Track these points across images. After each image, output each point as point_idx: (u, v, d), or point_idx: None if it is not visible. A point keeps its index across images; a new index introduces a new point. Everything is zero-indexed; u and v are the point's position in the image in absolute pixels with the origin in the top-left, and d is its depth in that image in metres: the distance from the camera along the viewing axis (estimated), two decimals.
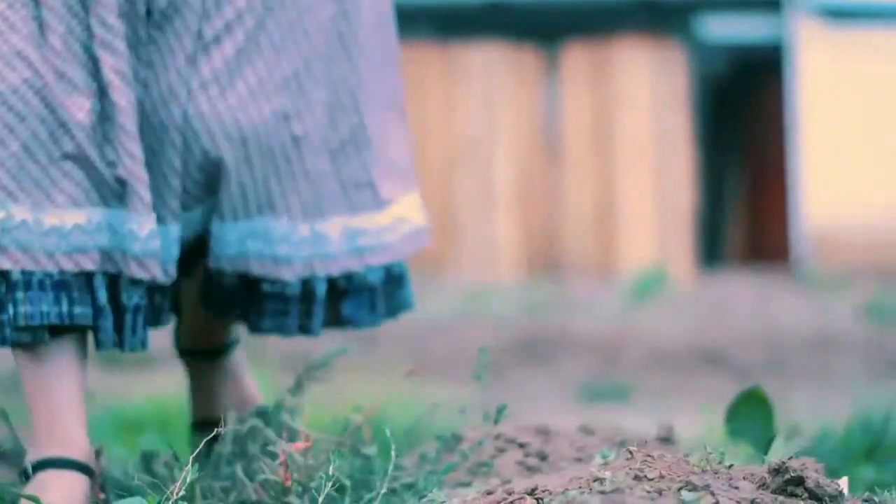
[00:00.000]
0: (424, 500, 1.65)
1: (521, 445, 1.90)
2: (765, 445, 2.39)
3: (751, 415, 2.37)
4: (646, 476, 1.49)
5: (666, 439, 2.04)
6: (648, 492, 1.44)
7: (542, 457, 1.88)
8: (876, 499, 1.62)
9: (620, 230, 11.13)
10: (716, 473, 1.50)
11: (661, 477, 1.49)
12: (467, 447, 1.86)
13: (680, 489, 1.46)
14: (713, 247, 12.12)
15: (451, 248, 11.07)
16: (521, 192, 11.19)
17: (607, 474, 1.49)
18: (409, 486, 1.78)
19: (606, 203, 11.16)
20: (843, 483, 1.70)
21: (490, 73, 11.29)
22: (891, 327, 6.73)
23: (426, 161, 11.17)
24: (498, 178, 11.19)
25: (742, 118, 13.20)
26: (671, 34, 11.25)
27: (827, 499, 1.54)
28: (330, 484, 1.54)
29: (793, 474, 1.53)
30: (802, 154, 11.13)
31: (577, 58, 11.31)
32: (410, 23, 11.22)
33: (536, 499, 1.48)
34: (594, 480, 1.46)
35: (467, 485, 1.78)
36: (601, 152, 11.19)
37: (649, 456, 1.57)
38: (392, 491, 1.74)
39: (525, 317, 7.45)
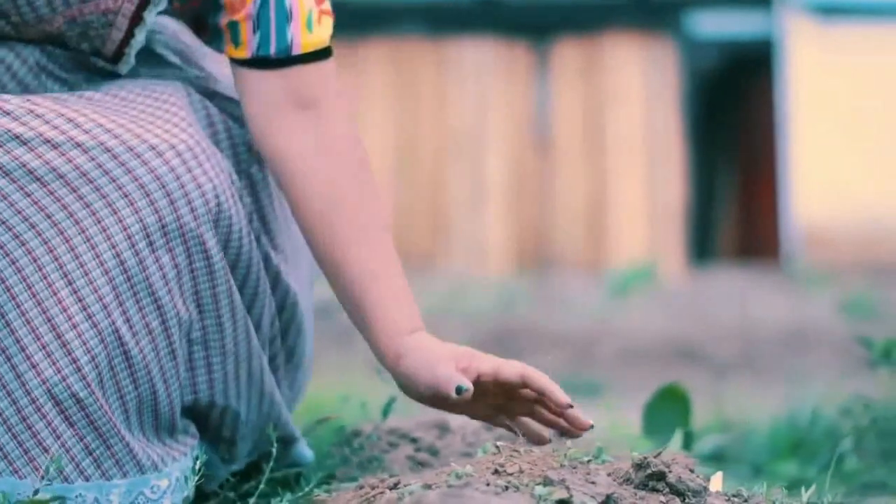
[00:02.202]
0: (299, 495, 1.68)
1: (414, 440, 1.92)
2: (681, 441, 2.42)
3: (667, 411, 2.39)
4: (505, 471, 1.51)
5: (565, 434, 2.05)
6: (505, 486, 1.46)
7: (433, 452, 1.90)
8: (745, 493, 1.64)
9: (611, 226, 11.15)
10: (574, 469, 1.51)
11: (521, 472, 1.51)
12: (357, 442, 1.88)
13: (537, 484, 1.48)
14: (704, 243, 12.13)
15: (442, 243, 11.09)
16: (512, 188, 11.21)
17: (468, 469, 1.52)
18: (297, 480, 1.81)
19: (597, 199, 11.17)
20: (717, 479, 1.72)
21: (481, 70, 11.31)
22: (868, 323, 6.73)
23: (417, 156, 11.20)
24: (489, 174, 11.21)
25: (733, 114, 13.21)
26: (662, 30, 11.26)
27: (689, 494, 1.55)
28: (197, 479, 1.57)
29: (654, 469, 1.55)
30: (793, 150, 11.13)
31: (568, 54, 11.32)
32: (402, 19, 11.25)
33: (398, 493, 1.50)
34: (451, 475, 1.48)
35: (354, 479, 1.80)
36: (592, 148, 11.20)
37: (516, 451, 1.59)
38: (275, 486, 1.77)
39: (505, 312, 7.47)
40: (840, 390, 3.27)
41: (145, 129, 1.63)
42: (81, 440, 1.59)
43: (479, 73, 11.30)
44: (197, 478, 1.59)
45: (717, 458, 2.61)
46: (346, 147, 1.77)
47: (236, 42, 1.75)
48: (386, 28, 11.25)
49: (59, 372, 1.57)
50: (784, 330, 6.76)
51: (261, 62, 1.74)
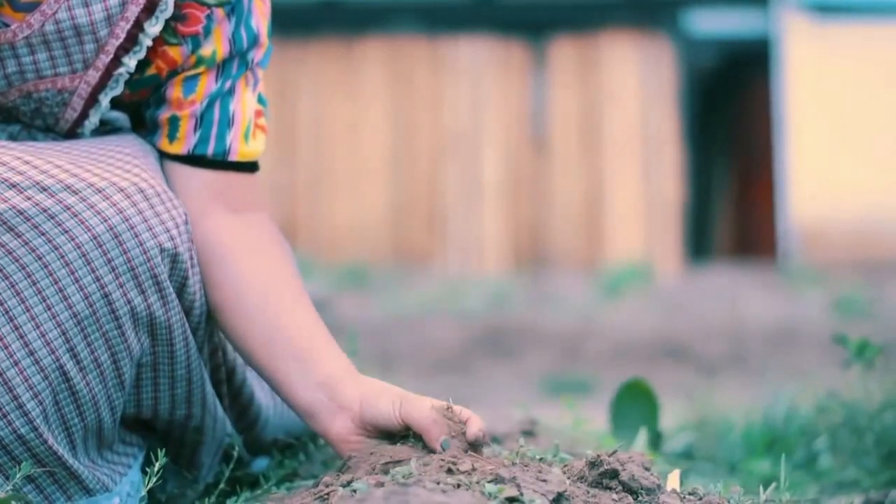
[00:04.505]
0: (257, 493, 1.69)
1: None
2: (650, 440, 2.42)
3: (634, 409, 2.39)
4: (458, 469, 1.52)
5: (528, 433, 2.07)
6: (456, 485, 1.47)
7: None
8: (700, 492, 1.65)
9: (607, 224, 11.15)
10: (526, 466, 1.52)
11: (473, 470, 1.52)
12: (323, 440, 1.89)
13: (487, 482, 1.49)
14: (701, 241, 12.14)
15: (438, 241, 11.10)
16: (508, 187, 11.22)
17: (413, 466, 1.52)
18: (257, 478, 1.82)
19: (594, 197, 11.18)
20: (674, 477, 1.72)
21: (478, 68, 11.32)
22: (860, 321, 6.74)
23: (414, 155, 11.21)
24: (485, 173, 11.21)
25: (729, 112, 13.21)
26: (659, 29, 11.26)
27: (642, 492, 1.56)
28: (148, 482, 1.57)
29: (607, 467, 1.56)
30: (790, 148, 11.14)
31: (564, 52, 11.33)
32: (399, 18, 11.26)
33: (352, 490, 1.51)
34: (400, 473, 1.49)
35: (315, 476, 1.81)
36: (588, 147, 11.21)
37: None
38: (236, 484, 1.78)
39: (498, 311, 7.48)
40: (821, 388, 3.27)
41: (86, 169, 1.63)
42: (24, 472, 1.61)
43: (475, 72, 11.31)
44: (153, 480, 1.60)
45: (689, 456, 2.61)
46: (275, 242, 1.79)
47: (172, 136, 1.77)
48: (382, 27, 11.26)
49: (0, 409, 1.58)
50: (775, 328, 6.77)
51: (195, 160, 1.77)
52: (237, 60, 1.78)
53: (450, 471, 1.51)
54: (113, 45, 1.71)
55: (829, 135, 11.01)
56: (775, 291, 8.72)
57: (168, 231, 1.64)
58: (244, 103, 1.78)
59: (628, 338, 6.46)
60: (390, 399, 1.62)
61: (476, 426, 1.59)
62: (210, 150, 1.77)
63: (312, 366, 1.68)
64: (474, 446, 1.59)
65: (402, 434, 1.62)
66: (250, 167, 1.80)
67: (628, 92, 11.22)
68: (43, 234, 1.58)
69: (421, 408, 1.60)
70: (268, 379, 1.71)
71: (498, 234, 11.18)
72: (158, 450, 1.63)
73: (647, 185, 11.17)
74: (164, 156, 1.78)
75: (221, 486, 1.71)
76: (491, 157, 11.23)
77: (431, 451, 1.58)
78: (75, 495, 1.64)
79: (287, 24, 10.77)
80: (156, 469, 1.61)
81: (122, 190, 1.62)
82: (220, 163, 1.77)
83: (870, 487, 2.30)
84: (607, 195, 11.17)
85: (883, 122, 10.99)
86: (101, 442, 1.68)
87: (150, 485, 1.60)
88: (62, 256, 1.59)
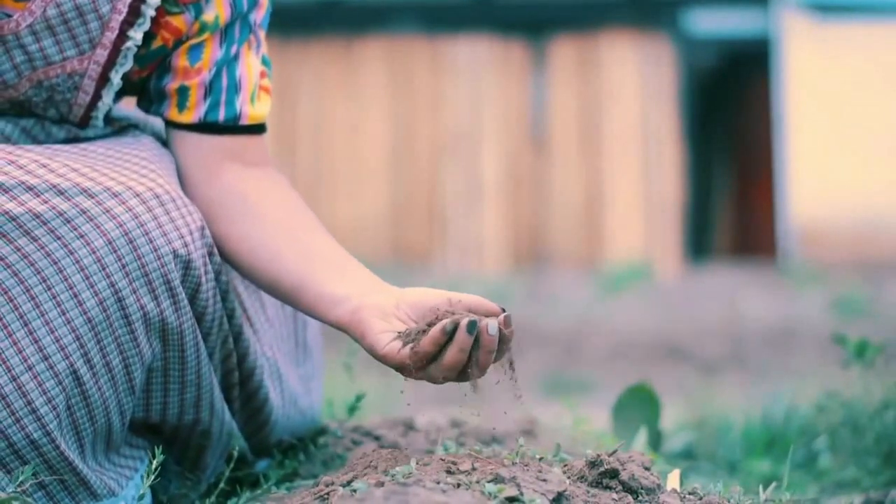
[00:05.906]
0: (258, 493, 1.69)
1: (377, 438, 1.93)
2: (650, 439, 2.42)
3: (636, 409, 2.39)
4: (458, 468, 1.53)
5: (528, 432, 2.07)
6: (456, 484, 1.47)
7: (397, 449, 1.91)
8: (700, 492, 1.65)
9: (607, 224, 11.15)
10: (526, 466, 1.53)
11: (473, 469, 1.52)
12: (322, 440, 1.89)
13: (487, 482, 1.49)
14: (701, 240, 12.14)
15: (438, 240, 11.10)
16: (508, 186, 11.22)
17: (412, 466, 1.53)
18: (258, 478, 1.82)
19: (593, 197, 11.17)
20: (674, 476, 1.72)
21: (477, 68, 11.32)
22: (859, 321, 6.74)
23: (414, 155, 11.21)
24: (485, 172, 11.21)
25: (729, 112, 13.21)
26: (659, 28, 11.26)
27: (642, 491, 1.56)
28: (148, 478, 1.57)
29: (607, 467, 1.57)
30: (790, 148, 11.14)
31: (564, 52, 11.32)
32: (398, 17, 11.25)
33: (352, 490, 1.51)
34: (399, 473, 1.49)
35: (315, 476, 1.81)
36: (588, 146, 11.21)
37: (473, 449, 1.60)
38: (237, 484, 1.78)
39: None
40: (820, 388, 3.27)
41: (102, 173, 1.63)
42: (35, 476, 1.60)
43: (475, 71, 11.31)
44: (152, 478, 1.60)
45: (689, 456, 2.61)
46: (292, 190, 1.81)
47: (182, 106, 1.77)
48: (382, 26, 11.26)
49: (13, 414, 1.57)
50: (774, 328, 6.77)
51: (207, 127, 1.78)
52: (239, 23, 1.79)
53: (449, 471, 1.52)
54: (117, 21, 1.71)
55: (828, 135, 11.00)
56: (775, 291, 8.72)
57: (182, 237, 1.64)
58: (249, 67, 1.80)
59: (628, 337, 6.46)
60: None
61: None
62: (221, 116, 1.78)
63: (351, 269, 1.68)
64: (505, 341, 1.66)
65: (431, 323, 1.62)
66: (259, 129, 1.82)
67: (628, 91, 11.22)
68: (59, 238, 1.58)
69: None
70: (298, 284, 1.69)
71: (498, 234, 11.18)
72: (159, 448, 1.63)
73: (647, 184, 11.17)
74: (173, 126, 1.79)
75: (222, 485, 1.71)
76: (491, 156, 11.23)
77: (490, 314, 1.64)
78: (83, 501, 1.63)
79: (287, 24, 10.78)
80: (153, 467, 1.61)
81: (137, 195, 1.62)
82: (232, 128, 1.78)
83: (870, 487, 2.30)
84: (607, 194, 11.17)
85: (883, 122, 10.98)
86: (109, 446, 1.67)
87: (150, 482, 1.60)
88: (77, 261, 1.58)
